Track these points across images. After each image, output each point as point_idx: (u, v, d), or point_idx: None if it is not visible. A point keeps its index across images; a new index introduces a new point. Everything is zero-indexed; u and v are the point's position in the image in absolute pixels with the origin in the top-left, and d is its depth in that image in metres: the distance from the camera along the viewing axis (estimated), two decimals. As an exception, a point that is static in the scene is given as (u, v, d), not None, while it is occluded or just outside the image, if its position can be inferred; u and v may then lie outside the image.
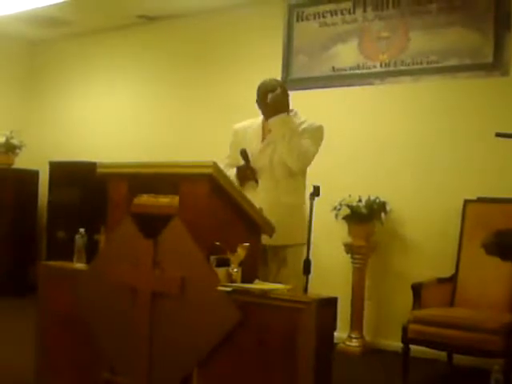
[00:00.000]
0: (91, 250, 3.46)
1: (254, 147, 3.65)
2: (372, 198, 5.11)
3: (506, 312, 4.15)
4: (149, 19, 6.80)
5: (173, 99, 6.74)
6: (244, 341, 2.68)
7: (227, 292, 2.69)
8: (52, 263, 3.73)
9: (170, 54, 6.78)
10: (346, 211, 5.08)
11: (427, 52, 5.21)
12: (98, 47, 7.34)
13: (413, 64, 5.29)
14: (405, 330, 4.23)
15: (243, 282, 2.81)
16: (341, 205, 5.12)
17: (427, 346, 4.26)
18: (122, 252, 3.07)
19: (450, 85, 5.13)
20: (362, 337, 5.16)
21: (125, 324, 3.03)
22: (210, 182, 2.84)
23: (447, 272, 4.65)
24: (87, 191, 6.54)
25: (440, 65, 5.16)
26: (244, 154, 3.61)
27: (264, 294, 2.69)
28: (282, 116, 3.56)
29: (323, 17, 5.75)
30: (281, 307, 2.62)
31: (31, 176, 7.33)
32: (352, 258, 5.18)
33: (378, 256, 5.28)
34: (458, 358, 4.54)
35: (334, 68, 5.68)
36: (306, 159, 3.61)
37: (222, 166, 3.07)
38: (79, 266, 3.46)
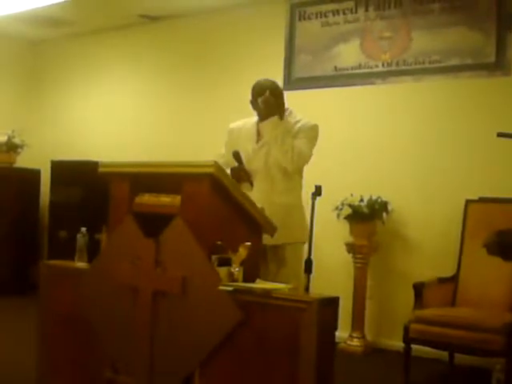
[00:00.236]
0: (93, 250, 3.46)
1: (248, 148, 3.65)
2: (374, 197, 5.11)
3: (508, 311, 4.15)
4: (150, 19, 6.80)
5: (174, 99, 6.74)
6: (246, 340, 2.68)
7: (229, 291, 2.69)
8: (53, 262, 3.73)
9: (172, 54, 6.78)
10: (347, 211, 5.08)
11: (429, 52, 5.21)
12: (99, 47, 7.34)
13: (415, 64, 5.29)
14: (406, 329, 4.23)
15: (245, 281, 2.81)
16: (342, 204, 5.12)
17: (429, 346, 4.26)
18: (123, 251, 3.07)
19: (452, 85, 5.13)
20: (363, 336, 5.16)
21: (126, 323, 3.03)
22: (211, 181, 2.84)
23: (449, 272, 4.65)
24: (89, 190, 6.55)
25: (442, 65, 5.15)
26: (237, 155, 3.61)
27: (265, 293, 2.70)
28: (273, 119, 3.58)
29: (325, 16, 5.75)
30: (282, 307, 2.62)
31: (33, 175, 7.34)
32: (354, 257, 5.18)
33: (380, 256, 5.28)
34: (460, 358, 4.54)
35: (335, 67, 5.68)
36: (301, 159, 3.62)
37: None
38: (81, 265, 3.46)
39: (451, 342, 4.11)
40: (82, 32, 7.32)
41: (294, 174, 3.66)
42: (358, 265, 5.17)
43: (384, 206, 5.11)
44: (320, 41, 5.77)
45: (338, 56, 5.67)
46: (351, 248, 5.18)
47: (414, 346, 4.25)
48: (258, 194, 3.54)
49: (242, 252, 2.80)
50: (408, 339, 4.23)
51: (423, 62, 5.24)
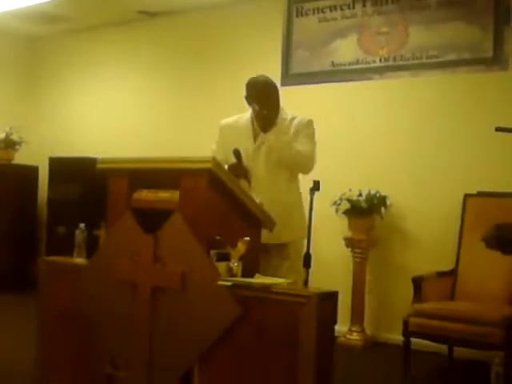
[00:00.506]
0: (91, 246, 3.47)
1: (245, 145, 3.64)
2: (372, 192, 5.12)
3: (506, 305, 4.16)
4: (148, 15, 6.78)
5: (172, 95, 6.73)
6: (245, 335, 2.69)
7: (227, 286, 2.69)
8: (52, 259, 3.73)
9: (170, 50, 6.78)
10: (346, 205, 5.09)
11: (427, 47, 5.21)
12: (97, 43, 7.33)
13: (412, 59, 5.29)
14: (405, 323, 4.24)
15: (244, 276, 2.81)
16: (341, 199, 5.13)
17: (428, 339, 4.27)
18: (122, 247, 3.07)
19: (450, 80, 5.13)
20: (362, 330, 5.17)
21: (125, 319, 3.03)
22: (209, 176, 2.84)
23: (447, 265, 4.66)
24: (87, 187, 6.55)
25: (439, 59, 5.15)
26: (237, 153, 3.59)
27: (264, 288, 2.70)
28: (275, 132, 3.58)
29: (323, 12, 5.75)
30: (281, 301, 2.62)
31: (31, 172, 7.34)
32: (352, 252, 5.19)
33: (379, 250, 5.28)
34: (459, 351, 4.55)
35: (333, 63, 5.68)
36: (311, 161, 3.65)
37: None
38: (79, 261, 3.46)
39: (450, 336, 4.12)
40: (79, 28, 7.31)
41: (294, 172, 3.67)
42: (357, 259, 5.17)
43: (382, 200, 5.11)
44: (317, 36, 5.76)
45: (335, 51, 5.67)
46: (350, 242, 5.18)
47: (413, 340, 4.26)
48: (259, 193, 3.55)
49: (241, 247, 2.80)
50: (407, 333, 4.24)
51: (421, 57, 5.24)
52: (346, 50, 5.61)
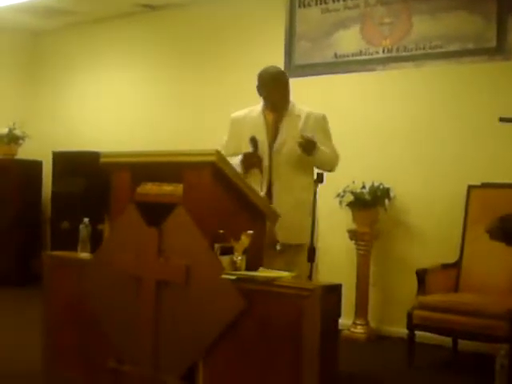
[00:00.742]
0: (95, 240, 3.47)
1: (259, 138, 3.63)
2: (376, 184, 5.10)
3: (511, 297, 4.15)
4: (150, 8, 6.76)
5: (176, 87, 6.71)
6: (249, 328, 2.69)
7: (231, 280, 2.69)
8: (56, 253, 3.74)
9: (173, 43, 6.76)
10: (349, 198, 5.07)
11: (430, 37, 5.18)
12: (99, 37, 7.31)
13: (416, 49, 5.26)
14: (410, 316, 4.23)
15: (247, 269, 2.81)
16: (344, 191, 5.11)
17: (432, 332, 4.27)
18: (126, 241, 3.07)
19: (453, 70, 5.10)
20: (366, 323, 5.16)
21: (130, 313, 3.04)
22: (213, 169, 2.84)
23: (451, 258, 4.65)
24: (91, 181, 6.54)
25: (443, 50, 5.12)
26: (254, 141, 3.59)
27: (268, 281, 2.70)
28: (289, 118, 3.66)
29: (325, 3, 5.72)
30: (285, 294, 2.62)
31: (35, 166, 7.33)
32: (356, 244, 5.18)
33: (383, 242, 5.27)
34: (463, 344, 4.54)
35: (336, 54, 5.65)
36: (337, 159, 3.79)
37: None
38: (84, 255, 3.47)
39: (455, 328, 4.12)
40: (82, 22, 7.29)
41: (309, 170, 3.69)
42: (361, 252, 5.16)
43: (386, 192, 5.10)
44: (320, 27, 5.74)
45: (338, 43, 5.64)
46: (354, 235, 5.17)
47: (417, 333, 4.25)
48: (282, 193, 3.54)
49: (245, 240, 2.80)
50: (411, 326, 4.23)
51: (424, 48, 5.21)
52: (349, 41, 5.58)
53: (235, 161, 3.55)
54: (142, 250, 2.98)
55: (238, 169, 3.51)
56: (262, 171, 3.60)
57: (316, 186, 3.44)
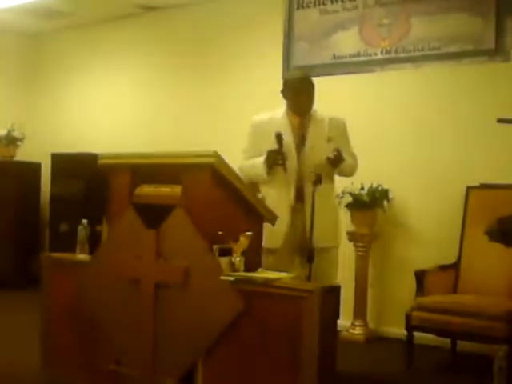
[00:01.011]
0: (94, 241, 3.47)
1: (290, 144, 3.65)
2: (374, 185, 5.10)
3: (510, 298, 4.15)
4: (147, 9, 6.77)
5: (173, 88, 6.71)
6: (248, 329, 2.69)
7: (230, 281, 2.69)
8: (55, 255, 3.74)
9: (169, 44, 6.76)
10: (348, 199, 5.07)
11: (428, 38, 5.18)
12: (97, 38, 7.32)
13: (414, 51, 5.26)
14: (408, 317, 4.23)
15: (246, 270, 2.81)
16: (343, 193, 5.11)
17: (431, 333, 4.27)
18: (124, 243, 3.07)
19: (452, 71, 5.10)
20: (365, 324, 5.16)
21: (129, 315, 3.04)
22: (211, 171, 2.84)
23: (450, 259, 4.65)
24: (89, 183, 6.54)
25: (441, 51, 5.13)
26: (279, 137, 3.59)
27: (267, 282, 2.70)
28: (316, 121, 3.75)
29: (323, 4, 5.72)
30: (284, 295, 2.62)
31: (33, 168, 7.32)
32: (355, 245, 5.18)
33: (381, 244, 5.27)
34: (462, 345, 4.54)
35: (334, 55, 5.66)
36: (357, 166, 3.93)
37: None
38: (82, 257, 3.47)
39: (453, 330, 4.11)
40: (80, 23, 7.29)
41: (331, 175, 3.78)
42: (360, 253, 5.17)
43: (385, 194, 5.10)
44: (318, 29, 5.74)
45: (336, 44, 5.64)
46: (352, 236, 5.17)
47: (416, 334, 4.25)
48: (313, 199, 3.55)
49: (243, 241, 2.80)
50: (410, 327, 4.23)
51: (423, 49, 5.22)
52: (348, 42, 5.58)
53: (260, 160, 3.56)
54: (140, 252, 2.98)
55: (262, 168, 3.52)
56: (285, 170, 3.58)
57: (314, 187, 3.45)
